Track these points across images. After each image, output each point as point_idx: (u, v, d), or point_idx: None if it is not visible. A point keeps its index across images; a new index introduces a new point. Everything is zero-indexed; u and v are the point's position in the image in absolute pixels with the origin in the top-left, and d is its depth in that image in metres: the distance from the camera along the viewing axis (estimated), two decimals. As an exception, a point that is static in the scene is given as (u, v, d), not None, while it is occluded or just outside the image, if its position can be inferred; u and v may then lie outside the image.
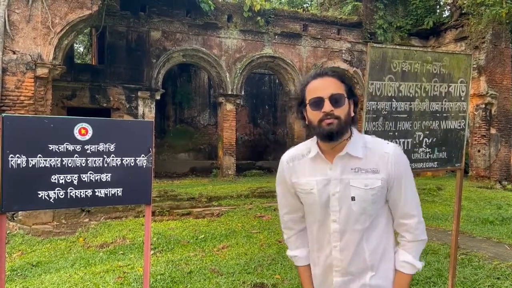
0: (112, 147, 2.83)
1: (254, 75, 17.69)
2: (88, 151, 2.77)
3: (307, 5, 23.09)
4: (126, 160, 2.89)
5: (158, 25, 12.80)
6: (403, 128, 2.71)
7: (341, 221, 1.61)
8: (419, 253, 1.69)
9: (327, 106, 1.53)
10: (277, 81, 17.99)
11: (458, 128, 2.97)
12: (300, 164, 1.68)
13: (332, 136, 1.55)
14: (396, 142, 2.69)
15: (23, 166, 2.58)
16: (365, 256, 1.63)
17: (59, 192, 2.70)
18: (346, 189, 1.59)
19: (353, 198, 1.59)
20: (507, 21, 12.67)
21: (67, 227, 7.35)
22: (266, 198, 9.72)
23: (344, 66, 15.03)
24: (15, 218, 7.25)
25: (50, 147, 2.66)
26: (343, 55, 15.19)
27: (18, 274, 4.81)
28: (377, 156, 1.62)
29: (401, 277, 1.67)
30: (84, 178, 2.76)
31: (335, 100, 1.54)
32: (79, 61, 19.38)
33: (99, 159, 2.80)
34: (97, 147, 2.79)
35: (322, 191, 1.62)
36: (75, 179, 2.74)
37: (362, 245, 1.63)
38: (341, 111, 1.55)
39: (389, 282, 1.68)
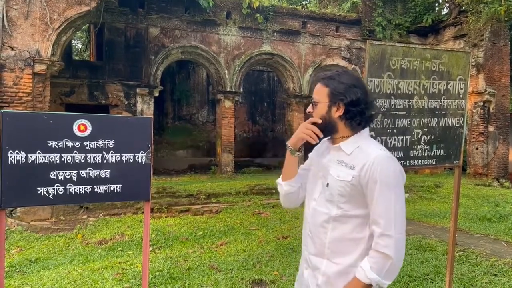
0: (111, 143, 2.84)
1: (252, 72, 17.65)
2: (87, 147, 2.77)
3: (306, 2, 23.04)
4: (125, 157, 2.89)
5: (157, 21, 12.76)
6: (401, 125, 2.72)
7: (317, 201, 1.81)
8: (382, 268, 1.60)
9: (308, 107, 1.87)
10: (275, 78, 17.96)
11: (456, 125, 2.98)
12: (322, 147, 1.93)
13: None
14: (395, 139, 2.70)
15: (23, 162, 2.58)
16: (325, 242, 1.75)
17: (58, 188, 2.70)
18: (326, 176, 1.79)
19: (327, 185, 1.77)
20: (506, 18, 12.70)
21: (66, 223, 7.34)
22: (265, 195, 9.72)
23: (342, 63, 15.02)
24: (13, 215, 7.25)
25: (49, 143, 2.66)
26: (342, 52, 15.18)
27: (17, 271, 4.82)
28: (362, 156, 1.71)
29: (352, 280, 1.66)
30: (83, 174, 2.77)
31: (313, 103, 1.83)
32: (77, 58, 19.32)
33: (98, 156, 2.80)
34: (96, 143, 2.80)
35: (316, 171, 1.87)
36: (74, 175, 2.74)
37: (326, 229, 1.75)
38: (315, 113, 1.81)
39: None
